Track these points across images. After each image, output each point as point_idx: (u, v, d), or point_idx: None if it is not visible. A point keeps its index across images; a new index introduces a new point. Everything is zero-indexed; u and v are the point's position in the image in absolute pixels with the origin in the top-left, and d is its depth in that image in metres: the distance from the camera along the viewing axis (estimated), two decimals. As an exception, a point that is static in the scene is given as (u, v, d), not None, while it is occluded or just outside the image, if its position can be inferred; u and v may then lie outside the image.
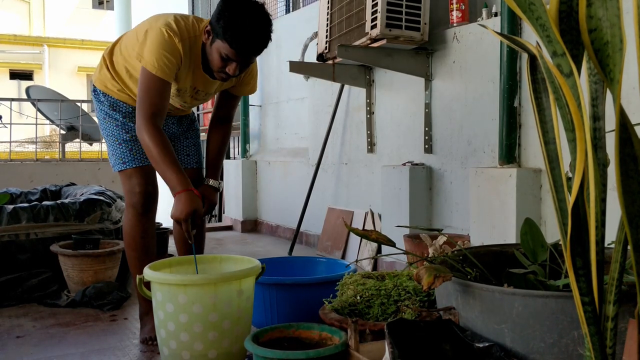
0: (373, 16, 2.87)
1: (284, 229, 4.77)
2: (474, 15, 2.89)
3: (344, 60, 3.26)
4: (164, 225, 3.59)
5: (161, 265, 1.94)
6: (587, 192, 0.84)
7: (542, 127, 0.94)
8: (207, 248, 3.63)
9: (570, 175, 1.00)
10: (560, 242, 1.20)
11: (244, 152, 5.41)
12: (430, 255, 1.60)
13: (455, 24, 2.90)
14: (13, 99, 5.83)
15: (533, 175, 2.46)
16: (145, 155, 2.14)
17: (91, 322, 2.49)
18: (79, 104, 5.86)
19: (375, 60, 3.08)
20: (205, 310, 1.72)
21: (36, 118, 5.66)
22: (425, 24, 2.93)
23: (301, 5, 5.05)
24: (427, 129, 3.15)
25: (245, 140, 5.41)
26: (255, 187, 5.32)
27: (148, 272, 1.79)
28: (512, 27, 2.50)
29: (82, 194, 3.44)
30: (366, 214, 3.64)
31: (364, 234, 1.51)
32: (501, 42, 2.55)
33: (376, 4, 2.85)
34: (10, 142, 5.35)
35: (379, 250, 3.42)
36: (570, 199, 0.84)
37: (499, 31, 2.53)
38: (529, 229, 1.53)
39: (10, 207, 2.94)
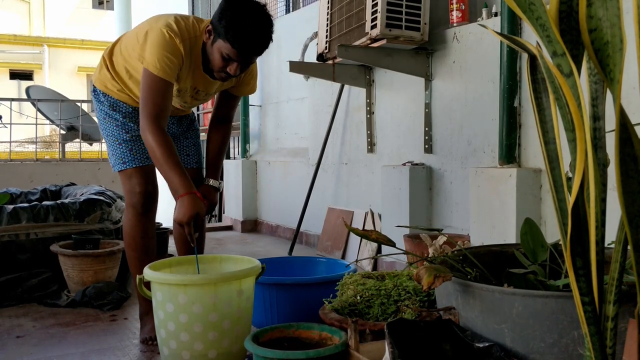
0: (373, 16, 2.87)
1: (284, 229, 4.77)
2: (474, 15, 2.89)
3: (344, 60, 3.26)
4: (164, 225, 3.59)
5: (161, 265, 1.94)
6: (587, 192, 0.84)
7: (542, 127, 0.94)
8: (207, 248, 3.63)
9: (570, 175, 1.00)
10: (560, 242, 1.20)
11: (244, 152, 5.40)
12: (430, 255, 1.60)
13: (455, 24, 2.90)
14: (13, 99, 5.83)
15: (533, 175, 2.46)
16: (145, 155, 2.15)
17: (91, 322, 2.49)
18: (79, 104, 5.86)
19: (375, 60, 3.08)
20: (205, 310, 1.72)
21: (36, 118, 5.65)
22: (425, 24, 2.93)
23: (301, 5, 5.05)
24: (427, 129, 3.15)
25: (245, 140, 5.40)
26: (255, 187, 5.32)
27: (148, 272, 1.79)
28: (512, 27, 2.50)
29: (82, 194, 3.45)
30: (366, 214, 3.64)
31: (364, 234, 1.51)
32: (501, 42, 2.55)
33: (376, 4, 2.85)
34: (10, 142, 5.35)
35: (379, 250, 3.42)
36: (570, 199, 0.84)
37: (499, 31, 2.53)
38: (529, 229, 1.53)
39: (10, 207, 2.94)
